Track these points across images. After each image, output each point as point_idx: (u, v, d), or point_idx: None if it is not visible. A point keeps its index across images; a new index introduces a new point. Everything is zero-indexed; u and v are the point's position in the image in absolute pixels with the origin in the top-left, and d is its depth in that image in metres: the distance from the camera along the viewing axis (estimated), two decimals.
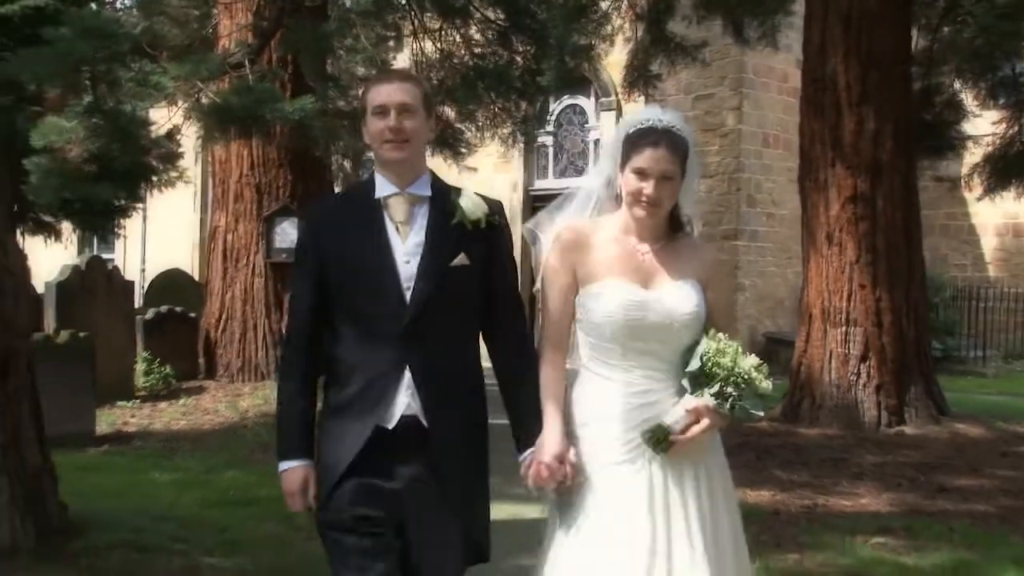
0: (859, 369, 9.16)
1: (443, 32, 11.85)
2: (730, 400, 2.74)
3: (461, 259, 2.75)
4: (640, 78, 10.93)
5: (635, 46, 10.82)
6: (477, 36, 11.82)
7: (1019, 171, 9.56)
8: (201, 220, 22.29)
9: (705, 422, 2.75)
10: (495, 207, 2.85)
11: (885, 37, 8.93)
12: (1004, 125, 9.64)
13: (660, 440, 2.73)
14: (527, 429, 2.83)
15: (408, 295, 2.71)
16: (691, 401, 2.75)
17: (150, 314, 10.84)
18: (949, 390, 11.42)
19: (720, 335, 2.78)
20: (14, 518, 4.48)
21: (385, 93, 2.76)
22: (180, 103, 9.66)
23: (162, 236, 21.89)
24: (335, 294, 2.75)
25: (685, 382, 2.78)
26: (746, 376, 2.73)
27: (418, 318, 2.70)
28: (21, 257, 5.10)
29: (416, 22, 11.77)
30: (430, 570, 2.74)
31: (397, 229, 2.77)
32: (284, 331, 2.93)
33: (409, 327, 2.69)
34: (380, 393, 2.70)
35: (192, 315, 11.52)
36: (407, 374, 2.70)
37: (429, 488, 2.71)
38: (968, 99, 9.84)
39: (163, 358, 10.63)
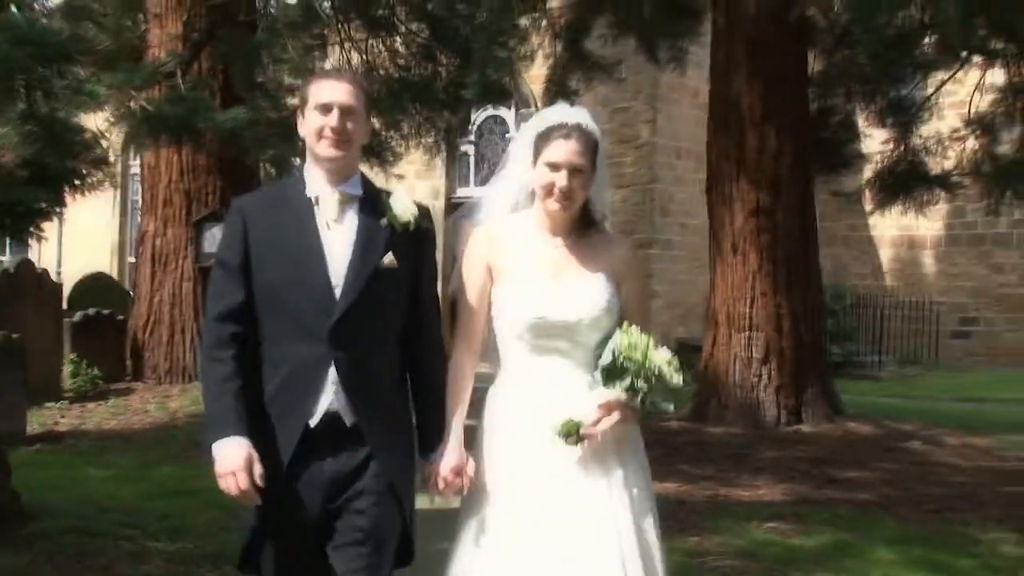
0: (760, 371, 9.81)
1: (368, 44, 12.21)
2: (640, 394, 2.76)
3: (390, 260, 2.77)
4: (559, 93, 11.44)
5: (554, 62, 11.35)
6: (402, 48, 12.21)
7: (905, 187, 10.34)
8: (120, 223, 22.26)
9: (616, 415, 2.77)
10: (423, 211, 2.87)
11: (785, 61, 9.61)
12: (892, 144, 10.39)
13: (571, 433, 2.74)
14: (429, 434, 2.86)
15: (337, 292, 2.72)
16: (602, 395, 2.77)
17: (78, 316, 10.99)
18: (847, 392, 12.21)
19: (633, 329, 2.79)
20: None
21: (330, 92, 2.76)
22: (109, 109, 9.85)
23: (79, 239, 21.68)
24: (261, 288, 2.74)
25: (597, 375, 2.80)
26: (657, 370, 2.75)
27: (346, 315, 2.70)
28: None
29: (342, 33, 12.10)
30: (368, 569, 2.72)
31: (327, 226, 2.77)
32: (206, 323, 2.81)
33: (337, 324, 2.69)
34: (304, 389, 2.70)
35: (120, 318, 11.67)
36: (332, 370, 2.70)
37: (360, 487, 2.71)
38: (860, 119, 10.60)
39: (90, 360, 10.78)
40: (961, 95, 10.65)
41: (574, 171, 2.82)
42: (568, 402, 2.79)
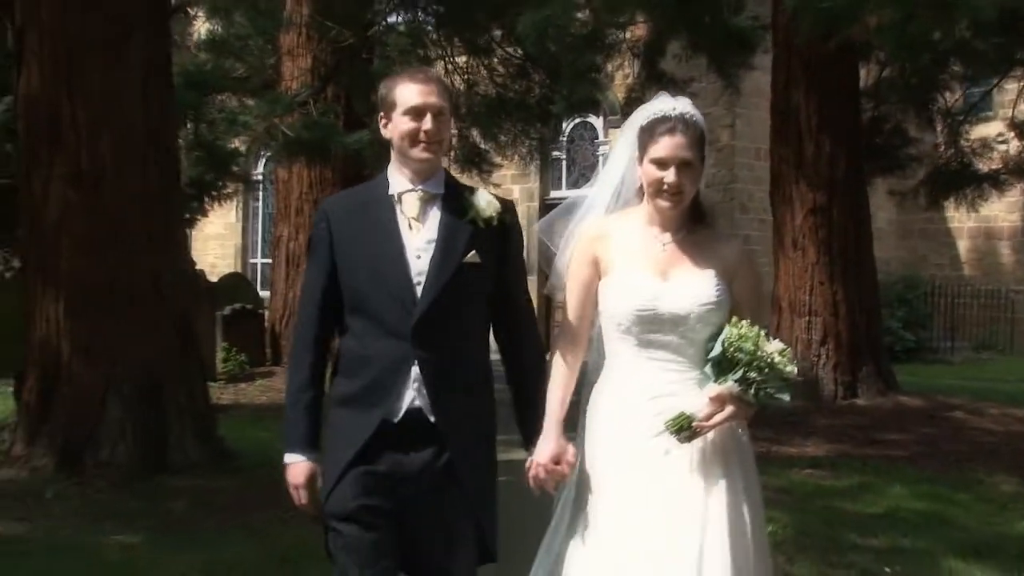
0: (819, 352, 11.06)
1: (469, 66, 13.81)
2: (754, 386, 2.67)
3: (472, 256, 2.75)
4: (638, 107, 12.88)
5: (632, 82, 12.75)
6: (499, 68, 13.77)
7: (955, 186, 11.46)
8: (243, 228, 24.39)
9: (729, 409, 2.68)
10: (507, 206, 2.86)
11: (838, 76, 10.81)
12: (942, 147, 11.53)
13: (683, 428, 2.67)
14: (532, 429, 2.83)
15: (419, 290, 2.72)
16: (714, 388, 2.69)
17: (227, 311, 12.86)
18: (918, 376, 13.35)
19: (742, 322, 2.72)
20: (194, 444, 6.51)
21: (420, 95, 2.76)
22: (254, 134, 11.67)
23: (207, 242, 23.77)
24: (346, 287, 2.77)
25: (708, 369, 2.73)
26: (769, 360, 2.67)
27: (428, 313, 2.70)
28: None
29: (446, 57, 13.70)
30: (440, 564, 2.75)
31: (409, 225, 2.77)
32: (296, 323, 2.94)
33: (419, 322, 2.70)
34: (388, 387, 2.71)
35: (260, 311, 13.54)
36: (415, 369, 2.71)
37: (439, 485, 2.73)
38: (911, 126, 11.75)
39: (238, 347, 12.65)
40: (1006, 100, 11.72)
41: (682, 165, 2.75)
42: (678, 397, 2.72)
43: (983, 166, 11.80)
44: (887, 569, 5.06)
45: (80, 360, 6.35)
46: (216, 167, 10.57)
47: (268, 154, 15.89)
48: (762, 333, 2.71)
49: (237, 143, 11.29)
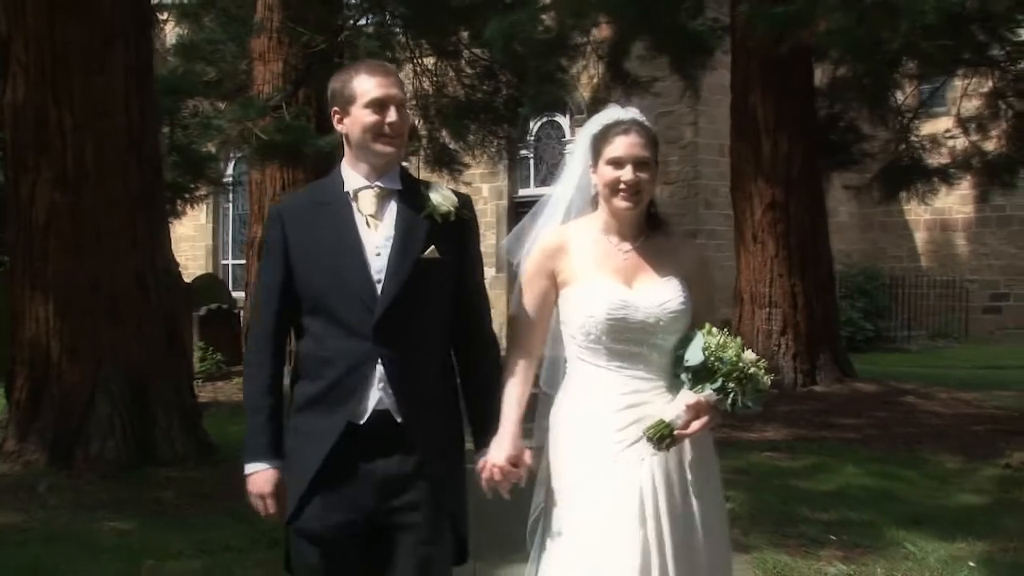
0: (779, 341, 11.50)
1: (437, 67, 14.12)
2: (732, 395, 2.68)
3: (431, 252, 2.70)
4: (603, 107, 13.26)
5: (598, 82, 13.12)
6: (467, 70, 14.10)
7: (906, 180, 11.94)
8: (213, 229, 24.56)
9: (705, 418, 2.69)
10: (464, 201, 2.81)
11: (794, 77, 11.25)
12: (893, 144, 12.01)
13: (664, 436, 2.67)
14: (485, 429, 2.80)
15: (379, 288, 2.66)
16: (691, 396, 2.68)
17: (203, 311, 13.10)
18: (877, 364, 13.84)
19: (714, 330, 2.73)
20: (180, 438, 6.79)
21: (382, 87, 2.69)
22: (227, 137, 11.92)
23: (177, 243, 23.86)
24: (303, 288, 2.70)
25: (685, 376, 2.71)
26: (748, 371, 2.68)
27: (390, 311, 2.64)
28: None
29: (414, 58, 14.00)
30: (415, 572, 2.67)
31: (367, 222, 2.71)
32: (251, 329, 2.86)
33: (381, 320, 2.64)
34: (351, 388, 2.64)
35: (235, 311, 13.79)
36: (379, 368, 2.64)
37: (411, 488, 2.66)
38: (865, 124, 12.20)
39: (214, 347, 12.90)
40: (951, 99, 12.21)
41: (639, 164, 2.75)
42: (647, 407, 2.72)
43: (933, 161, 12.26)
44: (832, 537, 5.46)
45: (68, 359, 6.61)
46: (191, 171, 10.82)
47: (238, 156, 16.15)
48: (741, 343, 2.72)
49: (211, 147, 11.53)
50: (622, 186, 2.75)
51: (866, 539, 5.51)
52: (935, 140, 11.98)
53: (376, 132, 2.68)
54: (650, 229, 2.88)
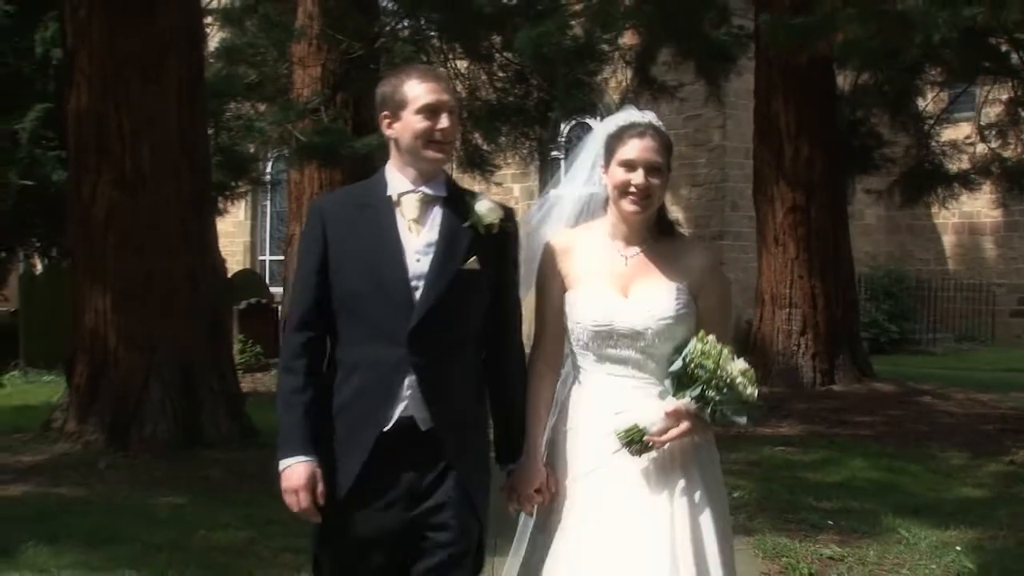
0: (799, 341, 11.83)
1: (470, 72, 14.57)
2: (711, 404, 2.63)
3: (472, 263, 2.67)
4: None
5: (625, 87, 13.51)
6: (499, 73, 14.53)
7: (926, 186, 12.24)
8: (252, 226, 25.19)
9: (684, 425, 2.63)
10: (508, 213, 2.78)
11: (815, 84, 11.56)
12: (914, 150, 12.31)
13: (634, 441, 2.64)
14: (512, 443, 2.80)
15: (416, 295, 2.63)
16: (670, 403, 2.65)
17: (243, 304, 13.65)
18: (901, 365, 14.11)
19: (709, 337, 2.66)
20: (224, 422, 7.30)
21: (434, 92, 2.67)
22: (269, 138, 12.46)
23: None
24: (339, 289, 2.67)
25: (667, 383, 2.69)
26: (729, 380, 2.61)
27: (426, 318, 2.61)
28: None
29: (448, 63, 14.44)
30: None
31: (409, 227, 2.68)
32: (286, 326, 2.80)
33: (416, 327, 2.61)
34: (381, 394, 2.63)
35: (273, 305, 14.34)
36: (411, 376, 2.62)
37: (436, 498, 2.64)
38: (886, 129, 12.51)
39: (253, 339, 13.44)
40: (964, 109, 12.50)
41: (651, 169, 2.72)
42: (634, 411, 2.69)
43: (954, 166, 12.54)
44: (831, 523, 5.84)
45: (125, 347, 7.14)
46: (234, 170, 11.34)
47: (275, 156, 16.69)
48: (726, 351, 2.64)
49: (252, 147, 12.07)
50: (632, 189, 2.72)
51: (863, 525, 5.88)
52: (955, 146, 12.23)
53: (427, 138, 2.66)
54: (658, 234, 2.83)
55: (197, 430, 7.19)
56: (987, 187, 13.20)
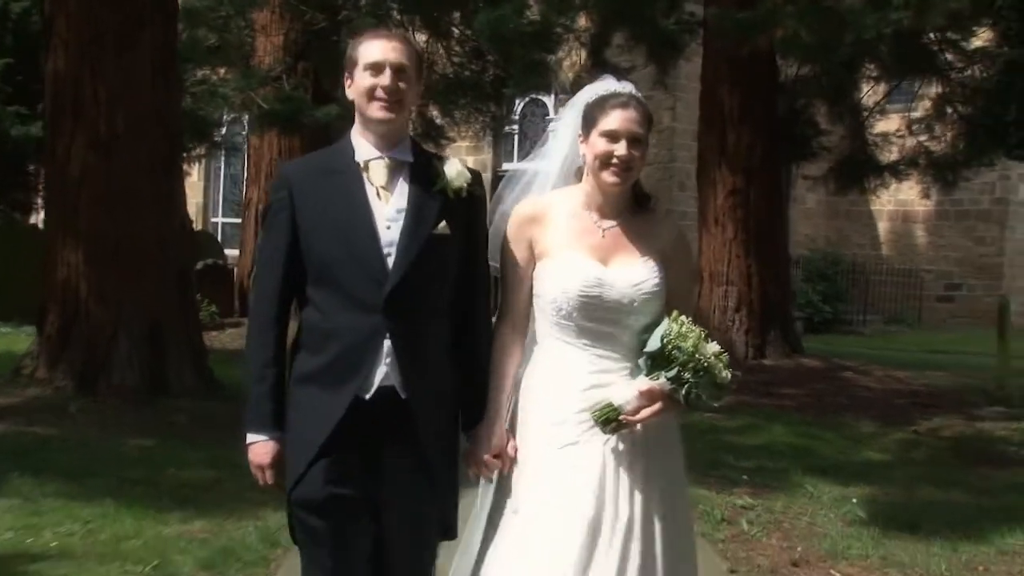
0: (734, 317, 12.50)
1: (428, 45, 14.97)
2: (686, 386, 2.61)
3: (443, 228, 2.66)
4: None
5: (579, 68, 14.02)
6: (456, 48, 14.95)
7: (858, 175, 12.95)
8: (204, 187, 25.35)
9: (658, 405, 2.62)
10: (476, 177, 2.76)
11: (759, 74, 12.18)
12: (848, 140, 13.00)
13: (609, 420, 2.61)
14: (473, 407, 2.78)
15: (389, 261, 2.61)
16: (645, 383, 2.62)
17: (200, 265, 13.99)
18: (832, 345, 14.86)
19: (683, 318, 2.65)
20: (189, 374, 7.74)
21: (381, 50, 2.63)
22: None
23: None
24: (309, 257, 2.64)
25: (642, 362, 2.65)
26: (706, 363, 2.61)
27: (400, 285, 2.60)
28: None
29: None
30: (407, 549, 2.70)
31: (378, 194, 2.66)
32: (254, 297, 2.81)
33: (391, 294, 2.59)
34: (357, 362, 2.61)
35: (229, 266, 14.70)
36: (387, 343, 2.60)
37: (408, 465, 2.66)
38: (823, 119, 13.19)
39: (209, 299, 13.79)
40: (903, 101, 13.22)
41: (634, 140, 2.67)
42: (610, 387, 2.65)
43: (885, 157, 13.26)
44: (745, 477, 6.48)
45: (95, 301, 7.54)
46: (196, 134, 11.67)
47: (229, 119, 16.95)
48: (702, 333, 2.64)
49: (214, 112, 12.39)
50: (614, 160, 2.67)
51: (775, 481, 6.53)
52: (887, 137, 12.95)
53: (370, 95, 2.63)
54: (635, 207, 2.80)
55: (163, 381, 7.62)
56: (909, 178, 13.91)
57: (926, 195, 13.13)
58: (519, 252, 2.79)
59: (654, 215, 2.86)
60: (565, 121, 2.86)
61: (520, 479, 2.73)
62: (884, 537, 5.32)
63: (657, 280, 2.71)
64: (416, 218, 2.65)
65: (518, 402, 2.80)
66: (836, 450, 7.79)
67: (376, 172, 2.67)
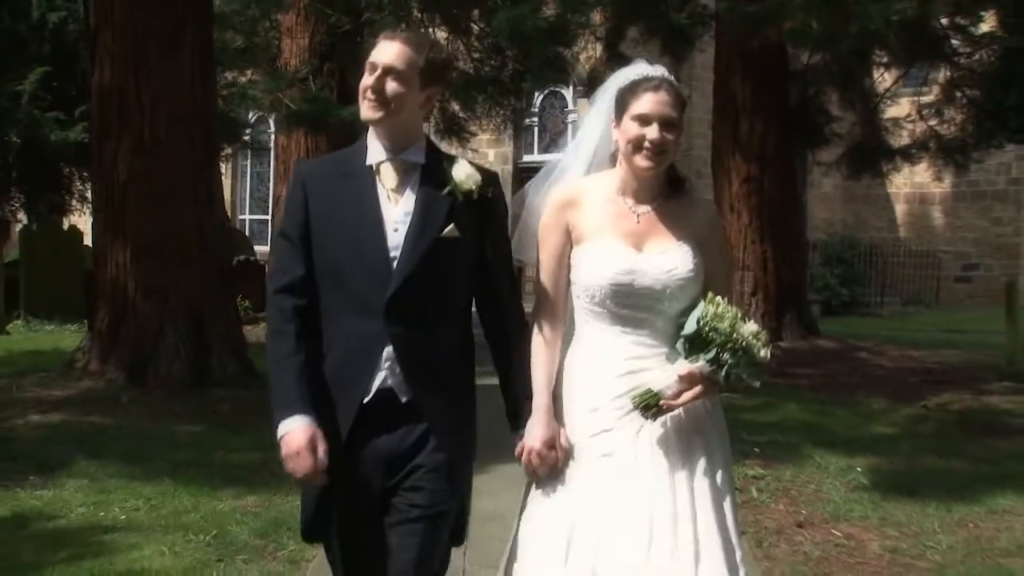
0: (750, 301, 12.84)
1: (449, 42, 15.39)
2: (726, 367, 2.60)
3: (451, 231, 2.63)
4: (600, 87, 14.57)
5: (595, 62, 14.39)
6: (476, 45, 15.37)
7: (870, 162, 13.27)
8: (232, 185, 25.89)
9: (698, 388, 2.60)
10: (489, 178, 2.72)
11: (769, 64, 12.50)
12: (860, 126, 13.32)
13: (649, 405, 2.60)
14: (517, 407, 2.75)
15: (394, 264, 2.60)
16: (684, 366, 2.60)
17: (235, 261, 14.49)
18: (850, 327, 15.19)
19: (719, 299, 2.63)
20: (230, 363, 8.21)
21: (378, 51, 2.64)
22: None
23: None
24: (320, 260, 2.65)
25: (680, 346, 2.63)
26: (744, 343, 2.60)
27: (402, 289, 2.59)
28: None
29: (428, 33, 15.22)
30: (417, 550, 2.62)
31: (388, 196, 2.65)
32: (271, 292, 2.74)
33: (393, 298, 2.58)
34: (359, 365, 2.61)
35: (262, 262, 15.20)
36: (389, 347, 2.59)
37: (415, 466, 2.62)
38: (834, 107, 13.51)
39: (243, 295, 14.29)
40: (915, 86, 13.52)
41: (666, 124, 2.65)
42: (651, 373, 2.64)
43: (896, 141, 13.57)
44: (756, 450, 6.87)
45: (142, 297, 8.03)
46: (229, 135, 12.14)
47: (254, 118, 17.45)
48: (739, 313, 2.63)
49: (244, 113, 12.88)
50: (647, 144, 2.64)
51: (785, 454, 6.91)
52: (897, 122, 13.26)
53: (362, 94, 2.64)
54: (669, 191, 2.77)
55: (206, 371, 8.11)
56: (921, 161, 14.19)
57: (938, 178, 13.40)
58: (556, 238, 2.77)
59: (689, 198, 2.84)
60: (597, 108, 2.83)
61: (561, 468, 2.69)
62: (884, 501, 5.71)
63: (692, 265, 2.69)
64: (422, 221, 2.64)
65: (559, 389, 2.76)
66: (846, 426, 8.16)
67: (387, 174, 2.67)
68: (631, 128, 2.66)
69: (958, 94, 12.73)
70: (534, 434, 2.68)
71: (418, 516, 2.61)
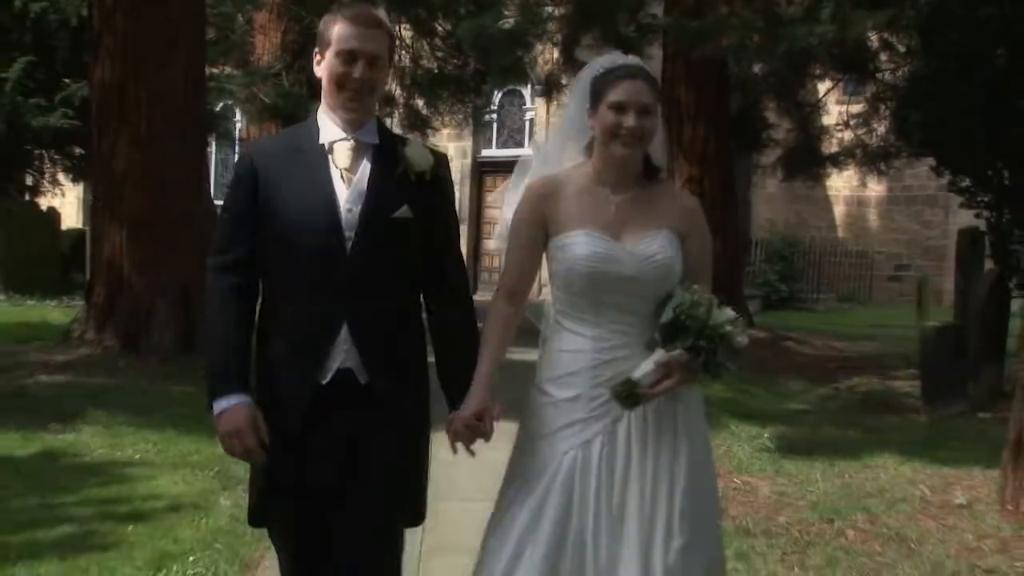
0: None
1: (414, 41, 16.31)
2: (703, 355, 2.60)
3: (404, 211, 2.61)
4: (556, 87, 15.57)
5: (552, 66, 15.39)
6: (440, 44, 16.31)
7: (803, 166, 14.43)
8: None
9: (676, 376, 2.60)
10: (440, 159, 2.72)
11: (711, 74, 13.56)
12: (795, 133, 14.48)
13: (629, 394, 2.59)
14: (457, 388, 2.70)
15: (348, 245, 2.56)
16: (662, 355, 2.59)
17: None
18: (786, 320, 16.30)
19: (695, 287, 2.63)
20: None
21: (356, 39, 2.58)
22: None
23: None
24: (270, 240, 2.59)
25: (657, 335, 2.62)
26: (721, 330, 2.59)
27: (358, 269, 2.56)
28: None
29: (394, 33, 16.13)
30: (368, 533, 2.59)
31: (341, 176, 2.61)
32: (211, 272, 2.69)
33: (348, 279, 2.56)
34: (315, 347, 2.57)
35: None
36: (344, 328, 2.57)
37: (372, 446, 2.59)
38: (772, 116, 14.64)
39: None
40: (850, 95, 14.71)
41: (643, 111, 2.65)
42: (630, 361, 2.63)
43: (826, 149, 14.75)
44: None
45: (136, 273, 8.90)
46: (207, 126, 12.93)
47: (218, 107, 18.18)
48: (715, 301, 2.62)
49: (220, 106, 13.71)
50: (623, 131, 2.64)
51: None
52: (827, 131, 14.43)
53: (340, 84, 2.60)
54: (644, 180, 2.77)
55: (193, 340, 8.97)
56: (847, 167, 15.31)
57: (863, 183, 14.57)
58: (531, 229, 2.76)
59: (665, 187, 2.86)
60: (573, 97, 2.85)
61: (523, 454, 2.73)
62: (783, 459, 6.75)
63: (670, 252, 2.69)
64: (376, 202, 2.61)
65: (536, 382, 2.78)
66: (763, 402, 9.22)
67: (340, 154, 2.64)
68: (607, 116, 2.66)
69: (882, 107, 13.89)
70: (466, 404, 2.68)
71: (373, 500, 2.59)
